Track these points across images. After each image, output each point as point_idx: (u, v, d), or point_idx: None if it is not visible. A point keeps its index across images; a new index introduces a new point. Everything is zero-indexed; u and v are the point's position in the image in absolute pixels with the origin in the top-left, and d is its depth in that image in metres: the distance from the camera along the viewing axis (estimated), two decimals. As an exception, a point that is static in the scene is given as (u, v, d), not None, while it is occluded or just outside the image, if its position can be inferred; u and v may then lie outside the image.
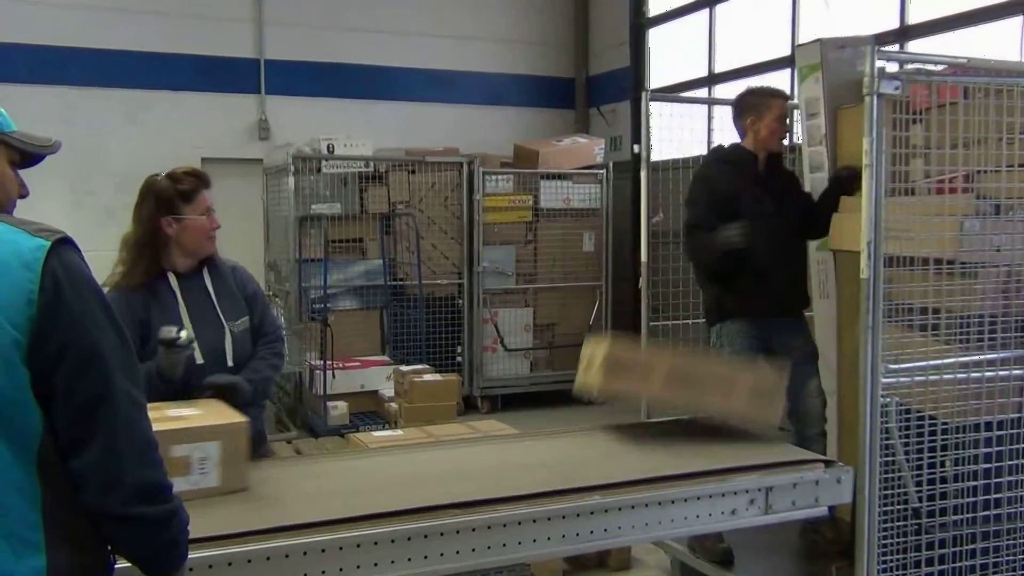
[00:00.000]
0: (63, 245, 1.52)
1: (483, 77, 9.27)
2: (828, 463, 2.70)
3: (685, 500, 2.45)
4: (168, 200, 2.72)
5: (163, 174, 2.79)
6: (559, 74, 9.63)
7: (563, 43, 9.63)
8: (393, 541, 2.11)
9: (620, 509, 2.36)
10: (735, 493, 2.52)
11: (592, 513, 2.32)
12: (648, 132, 4.34)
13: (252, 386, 2.77)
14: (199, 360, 2.70)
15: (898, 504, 3.03)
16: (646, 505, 2.39)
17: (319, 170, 7.28)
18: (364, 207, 7.39)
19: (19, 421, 1.46)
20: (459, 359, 7.66)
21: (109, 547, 1.61)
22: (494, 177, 7.74)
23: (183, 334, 2.57)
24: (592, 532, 2.33)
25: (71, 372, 1.48)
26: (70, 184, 7.93)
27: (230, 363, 2.80)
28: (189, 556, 1.66)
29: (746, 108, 3.88)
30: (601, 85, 9.43)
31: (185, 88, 8.18)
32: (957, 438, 3.06)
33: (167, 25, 8.09)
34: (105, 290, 2.62)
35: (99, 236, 7.35)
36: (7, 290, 1.45)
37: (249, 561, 1.98)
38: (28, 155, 1.73)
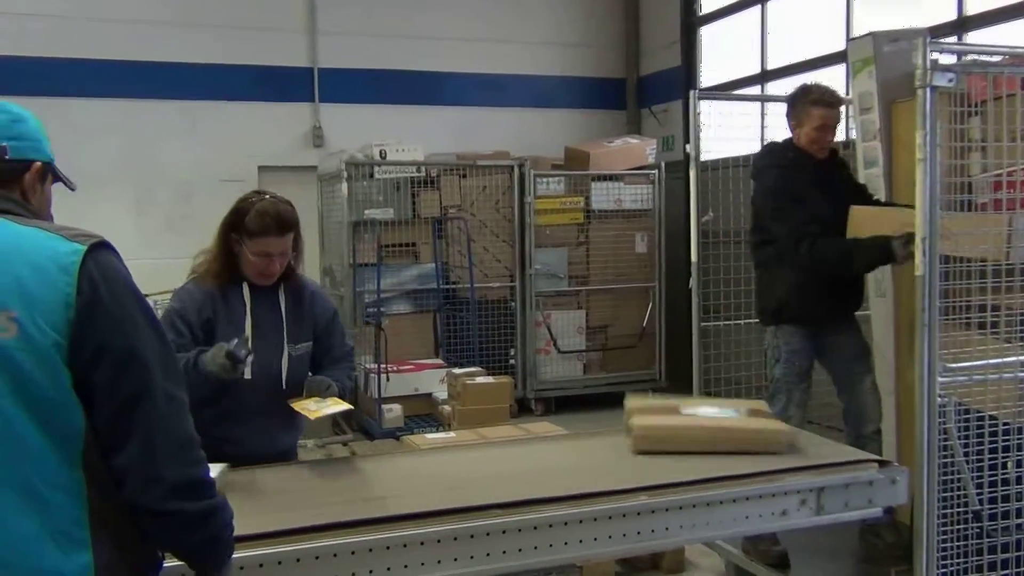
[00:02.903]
0: (100, 249, 1.56)
1: (533, 80, 9.28)
2: (882, 463, 2.64)
3: (734, 500, 2.42)
4: (238, 224, 2.72)
5: (261, 197, 2.75)
6: (610, 75, 9.59)
7: (613, 44, 9.59)
8: (439, 541, 2.12)
9: (668, 510, 2.34)
10: (785, 494, 2.47)
11: (639, 514, 2.30)
12: (697, 131, 4.30)
13: (341, 389, 2.81)
14: (247, 375, 2.67)
15: (958, 507, 2.96)
16: (694, 506, 2.37)
17: (372, 176, 7.36)
18: (416, 211, 7.45)
19: (63, 421, 1.50)
20: (512, 362, 7.67)
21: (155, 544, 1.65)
22: (545, 179, 7.75)
23: (250, 359, 2.59)
24: (639, 533, 2.31)
25: (110, 372, 1.52)
26: (134, 193, 8.15)
27: (284, 385, 2.79)
28: (238, 555, 1.69)
29: (792, 109, 3.81)
30: (652, 85, 9.37)
31: (241, 98, 8.34)
32: (1020, 439, 2.98)
33: (223, 37, 8.26)
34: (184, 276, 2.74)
35: (162, 243, 7.64)
36: (46, 294, 1.49)
37: (298, 560, 2.01)
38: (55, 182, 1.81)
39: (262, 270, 2.74)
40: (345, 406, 2.70)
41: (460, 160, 7.73)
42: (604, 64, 9.57)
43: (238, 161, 8.20)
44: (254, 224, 2.69)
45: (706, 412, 2.86)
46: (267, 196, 2.77)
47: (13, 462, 1.46)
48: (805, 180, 3.70)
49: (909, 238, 3.32)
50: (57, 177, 1.79)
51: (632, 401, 2.94)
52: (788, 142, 3.85)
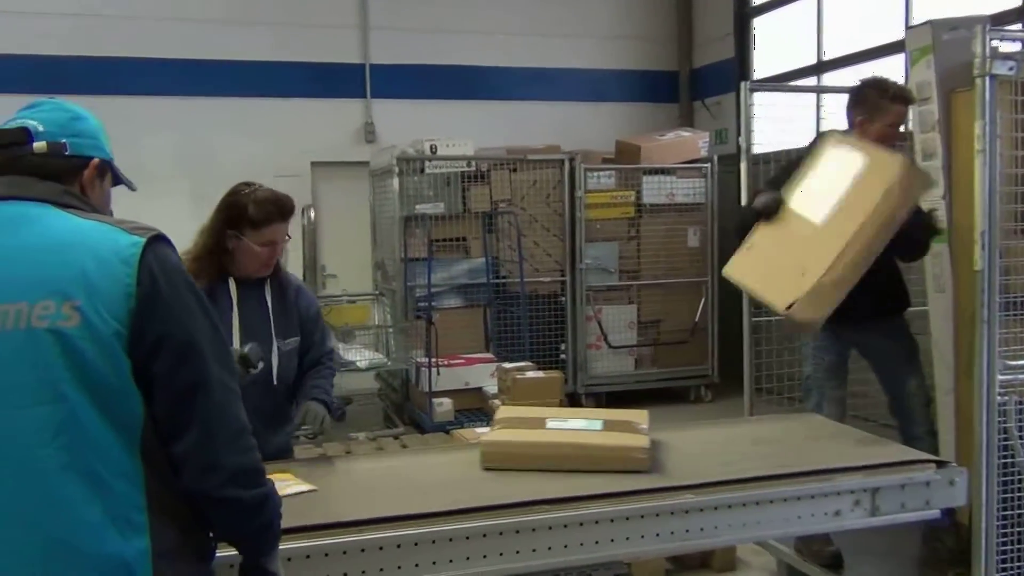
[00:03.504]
0: (158, 241, 1.60)
1: (584, 74, 9.24)
2: (940, 464, 2.58)
3: (785, 500, 2.38)
4: (236, 218, 2.67)
5: (253, 188, 2.72)
6: (662, 68, 9.50)
7: (665, 36, 9.49)
8: (485, 535, 2.12)
9: (716, 508, 2.31)
10: (838, 494, 2.43)
11: (687, 512, 2.28)
12: (749, 123, 4.24)
13: (328, 405, 2.81)
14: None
15: (1019, 508, 2.88)
16: (743, 504, 2.33)
17: (422, 171, 7.40)
18: (467, 206, 7.46)
19: (123, 408, 1.54)
20: (563, 356, 7.66)
21: (210, 530, 1.69)
22: (596, 173, 7.70)
23: (260, 364, 2.56)
24: (687, 531, 2.29)
25: (169, 361, 1.56)
26: (190, 189, 8.30)
27: (275, 381, 2.77)
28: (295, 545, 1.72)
29: (860, 103, 3.62)
30: (705, 77, 9.26)
31: (294, 95, 8.45)
32: (1085, 439, 2.88)
33: (276, 34, 8.38)
34: None
35: (217, 239, 7.75)
36: (108, 285, 1.53)
37: (344, 552, 2.03)
38: (115, 182, 1.85)
39: (264, 261, 2.71)
40: (307, 487, 2.38)
41: (510, 154, 7.72)
42: (656, 57, 9.48)
43: (292, 157, 8.31)
44: (258, 214, 2.65)
45: (571, 426, 2.63)
46: (256, 186, 2.74)
47: (77, 449, 1.50)
48: None
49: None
50: (116, 176, 1.83)
51: (501, 411, 2.85)
52: (846, 135, 3.72)
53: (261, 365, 2.58)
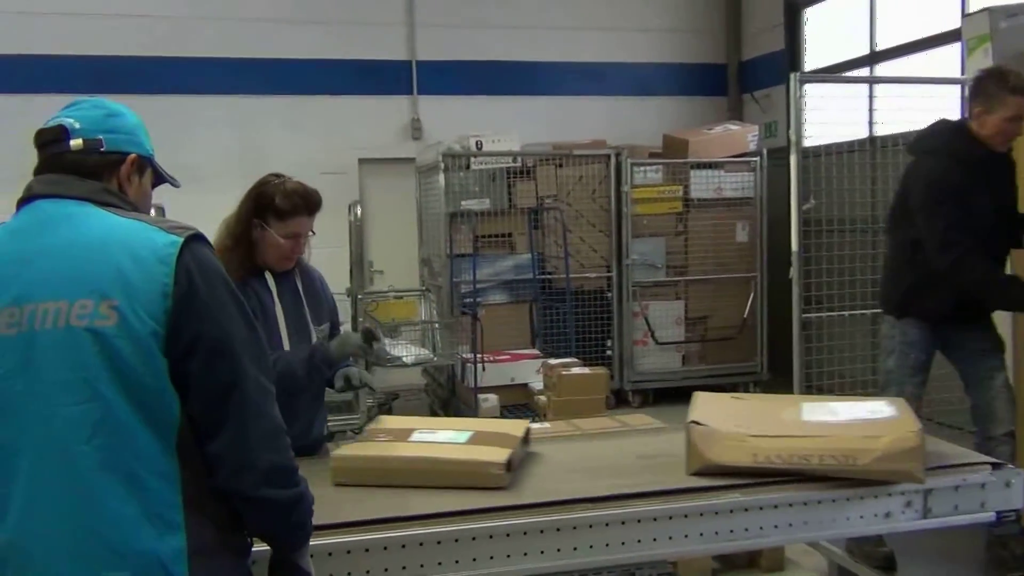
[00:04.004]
0: (195, 241, 1.62)
1: (631, 68, 9.15)
2: (996, 465, 2.50)
3: (834, 501, 2.32)
4: (263, 206, 2.67)
5: (283, 180, 2.73)
6: (710, 60, 9.37)
7: (713, 28, 9.36)
8: (525, 533, 2.11)
9: (762, 508, 2.26)
10: (889, 495, 2.36)
11: (732, 512, 2.23)
12: (799, 116, 4.15)
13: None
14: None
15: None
16: (790, 505, 2.28)
17: (468, 167, 7.40)
18: (512, 202, 7.46)
19: (160, 407, 1.55)
20: (609, 353, 7.61)
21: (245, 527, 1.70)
22: (642, 168, 7.64)
23: (386, 340, 2.54)
24: (732, 531, 2.25)
25: (204, 361, 1.57)
26: (242, 186, 8.36)
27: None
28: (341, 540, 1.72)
29: (979, 93, 3.43)
30: (755, 70, 9.12)
31: (342, 92, 8.50)
32: None
33: (325, 33, 8.44)
34: None
35: (267, 236, 7.85)
36: (145, 284, 1.54)
37: (385, 548, 2.03)
38: (158, 179, 1.87)
39: (286, 253, 2.69)
40: None
41: (556, 150, 7.69)
42: (704, 49, 9.36)
43: (340, 154, 8.38)
44: (285, 205, 2.65)
45: (437, 438, 2.47)
46: (286, 178, 2.74)
47: (115, 447, 1.52)
48: (973, 175, 3.40)
49: None
50: (157, 173, 1.84)
51: (381, 421, 2.73)
52: (962, 126, 3.51)
53: (386, 341, 2.56)
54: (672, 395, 7.64)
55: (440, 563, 2.06)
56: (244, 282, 2.66)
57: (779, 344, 7.02)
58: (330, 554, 1.99)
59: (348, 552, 2.01)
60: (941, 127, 3.62)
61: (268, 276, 2.73)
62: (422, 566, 2.05)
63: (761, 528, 2.27)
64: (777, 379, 7.31)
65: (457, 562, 2.06)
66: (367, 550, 2.03)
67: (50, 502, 1.51)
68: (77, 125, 1.69)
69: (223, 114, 8.26)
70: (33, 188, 1.67)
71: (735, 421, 2.42)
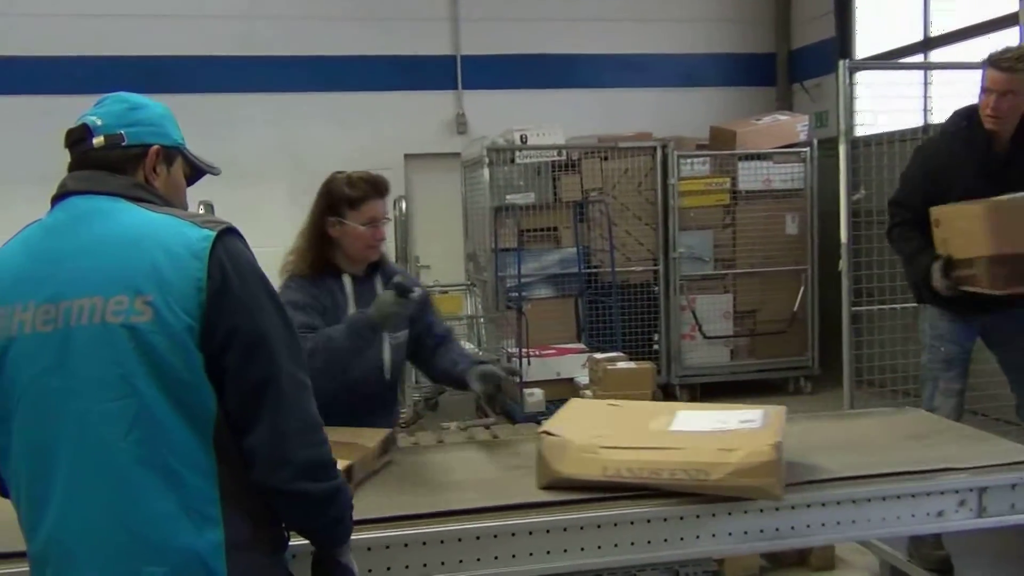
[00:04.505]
0: (228, 235, 1.61)
1: (677, 59, 9.05)
2: (1055, 463, 2.41)
3: (883, 499, 2.25)
4: (335, 201, 2.67)
5: (346, 173, 2.74)
6: (758, 50, 9.22)
7: (762, 17, 9.21)
8: (565, 530, 2.08)
9: (808, 506, 2.21)
10: (942, 493, 2.29)
11: (777, 509, 2.18)
12: (850, 104, 4.05)
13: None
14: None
15: None
16: (838, 503, 2.22)
17: (513, 161, 7.38)
18: (557, 195, 7.41)
19: (196, 402, 1.55)
20: (656, 347, 7.54)
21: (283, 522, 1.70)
22: (689, 160, 7.54)
23: (417, 291, 2.54)
24: (778, 530, 2.20)
25: (239, 355, 1.56)
26: (287, 184, 8.50)
27: (387, 376, 2.78)
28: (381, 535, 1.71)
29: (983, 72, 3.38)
30: (804, 59, 8.95)
31: (387, 88, 8.54)
32: None
33: (368, 29, 8.49)
34: (278, 277, 2.72)
35: (314, 232, 7.93)
36: (179, 279, 1.54)
37: (424, 543, 2.03)
38: (196, 169, 1.85)
39: (370, 241, 2.69)
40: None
41: (601, 143, 7.62)
42: (752, 39, 9.21)
43: (385, 150, 8.41)
44: (354, 192, 2.66)
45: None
46: (349, 171, 2.75)
47: (152, 443, 1.52)
48: (963, 155, 3.35)
49: (946, 264, 3.15)
50: (192, 162, 1.82)
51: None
52: (974, 109, 3.44)
53: (418, 291, 2.54)
54: (720, 390, 7.57)
55: (479, 559, 2.04)
56: (324, 284, 2.69)
57: (830, 338, 6.88)
58: (369, 549, 1.99)
59: (387, 547, 2.01)
60: (956, 110, 3.58)
61: (346, 279, 2.74)
62: (443, 563, 2.04)
63: (808, 527, 2.22)
64: (828, 374, 7.18)
65: (496, 558, 2.05)
66: (406, 544, 2.02)
67: (89, 498, 1.52)
68: (99, 122, 1.69)
69: (268, 112, 8.35)
70: (66, 185, 1.68)
71: (595, 431, 2.28)
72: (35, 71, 7.88)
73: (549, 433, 2.22)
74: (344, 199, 2.66)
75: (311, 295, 2.66)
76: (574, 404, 2.56)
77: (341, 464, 1.98)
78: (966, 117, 3.45)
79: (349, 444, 2.31)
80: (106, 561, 1.52)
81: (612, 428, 2.33)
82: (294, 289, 2.68)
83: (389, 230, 7.21)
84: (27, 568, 1.62)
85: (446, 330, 2.99)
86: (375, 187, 2.69)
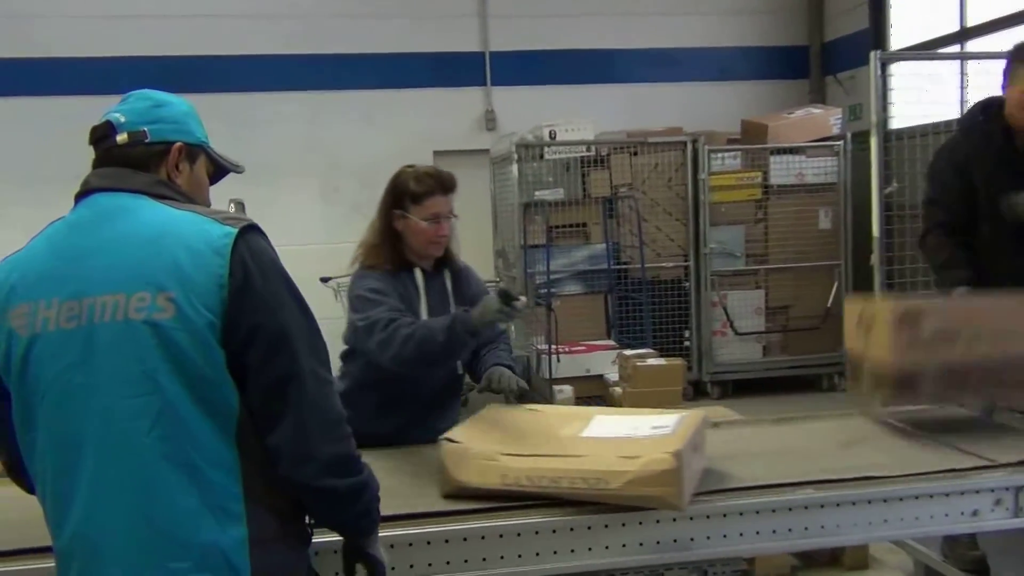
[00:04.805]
0: (250, 232, 1.61)
1: (707, 52, 8.95)
2: (1097, 461, 2.34)
3: (916, 498, 2.21)
4: (400, 195, 2.69)
5: (415, 166, 2.76)
6: (790, 43, 9.09)
7: (794, 9, 9.08)
8: (589, 528, 2.06)
9: (838, 505, 2.17)
10: (976, 492, 2.24)
11: (806, 508, 2.15)
12: (882, 96, 3.98)
13: (512, 370, 2.77)
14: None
15: None
16: (868, 502, 2.18)
17: (542, 157, 7.36)
18: (587, 191, 7.38)
19: (219, 399, 1.55)
20: (687, 343, 7.48)
21: (307, 517, 1.70)
22: (720, 155, 7.47)
23: (523, 299, 2.52)
24: (807, 529, 2.16)
25: (262, 352, 1.56)
26: (319, 182, 8.56)
27: (459, 370, 2.80)
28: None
29: (1007, 66, 3.25)
30: (838, 51, 8.82)
31: (415, 85, 8.54)
32: None
33: (397, 27, 8.48)
34: (348, 269, 2.76)
35: (346, 229, 7.88)
36: (200, 276, 1.54)
37: (464, 539, 2.01)
38: (219, 168, 1.85)
39: (432, 237, 2.70)
40: None
41: (631, 138, 7.57)
42: (784, 31, 9.09)
43: (414, 147, 8.39)
44: (419, 187, 2.67)
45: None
46: (417, 165, 2.77)
47: (175, 439, 1.53)
48: (982, 148, 3.24)
49: None
50: (213, 159, 1.83)
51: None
52: (991, 102, 3.33)
53: (523, 299, 2.52)
54: (753, 387, 7.49)
55: (520, 555, 2.03)
56: (396, 276, 2.71)
57: (865, 334, 6.78)
58: (392, 546, 1.97)
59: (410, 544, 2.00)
60: (975, 104, 3.46)
61: (417, 272, 2.76)
62: (466, 561, 2.03)
63: (837, 526, 2.18)
64: (863, 370, 7.06)
65: (520, 556, 2.03)
66: (428, 542, 2.02)
67: (113, 494, 1.53)
68: (123, 119, 1.70)
69: (298, 110, 8.39)
70: (90, 182, 1.69)
71: (501, 438, 2.21)
72: (66, 72, 7.98)
73: (451, 440, 2.18)
74: (408, 193, 2.68)
75: (388, 284, 2.68)
76: (489, 410, 2.50)
77: None
78: (982, 110, 3.34)
79: None
80: (130, 556, 1.53)
81: (521, 435, 2.26)
82: (371, 278, 2.69)
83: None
84: (41, 564, 1.63)
85: (496, 335, 2.94)
86: (440, 183, 2.70)
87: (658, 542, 2.09)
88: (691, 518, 2.10)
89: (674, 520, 2.08)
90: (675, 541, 2.10)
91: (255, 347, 1.56)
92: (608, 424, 2.29)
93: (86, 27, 8.01)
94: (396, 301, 2.63)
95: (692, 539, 2.11)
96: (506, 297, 2.45)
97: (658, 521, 2.08)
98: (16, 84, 7.92)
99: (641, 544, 2.08)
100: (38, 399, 1.58)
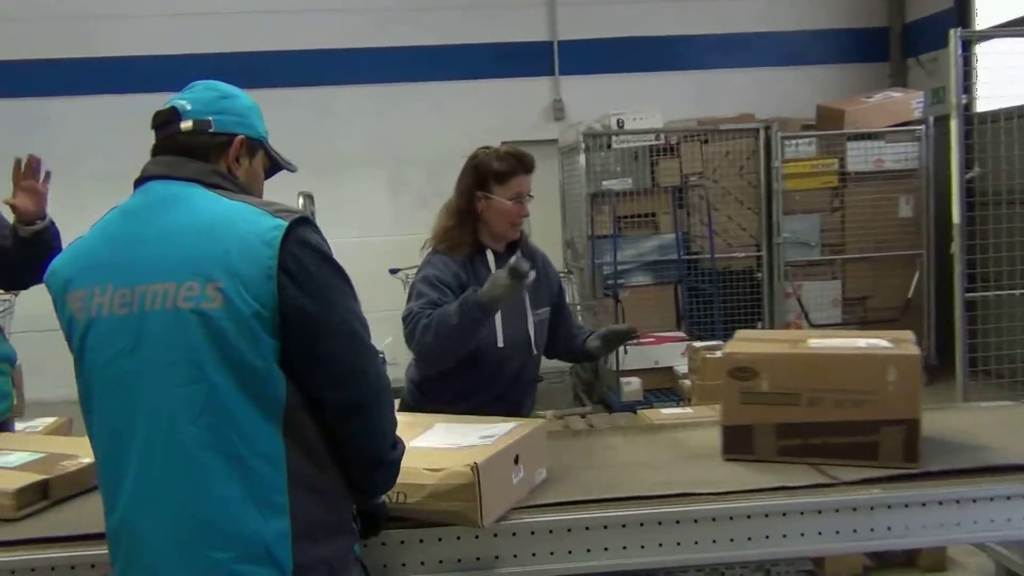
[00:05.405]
0: (301, 224, 1.60)
1: (781, 36, 8.71)
2: None
3: (991, 499, 2.08)
4: (483, 176, 2.69)
5: (493, 148, 2.75)
6: (869, 24, 8.79)
7: (872, -11, 8.79)
8: (642, 525, 2.01)
9: (907, 506, 2.06)
10: (1065, 494, 2.10)
11: (872, 508, 2.05)
12: (961, 76, 3.80)
13: None
14: (500, 343, 2.68)
15: None
16: (940, 503, 2.07)
17: (609, 146, 7.27)
18: (655, 181, 7.27)
19: (266, 390, 1.56)
20: (759, 335, 7.31)
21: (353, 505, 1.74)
22: (794, 141, 7.27)
23: (532, 273, 2.53)
24: (872, 530, 2.06)
25: (318, 342, 1.58)
26: (388, 173, 8.62)
27: (534, 351, 2.80)
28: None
29: None
30: (920, 32, 8.48)
31: (483, 76, 8.53)
32: None
33: (465, 17, 8.49)
34: (420, 254, 2.79)
35: (414, 220, 8.01)
36: (249, 266, 1.55)
37: (532, 532, 1.99)
38: (275, 164, 1.87)
39: (514, 218, 2.71)
40: None
41: (701, 125, 7.43)
42: (862, 12, 8.79)
43: (482, 138, 8.25)
44: (502, 166, 2.67)
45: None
46: (493, 146, 2.76)
47: (220, 429, 1.53)
48: None
49: None
50: (271, 156, 1.85)
51: None
52: None
53: (532, 274, 2.53)
54: (828, 380, 7.27)
55: (589, 550, 1.99)
56: (469, 259, 2.72)
57: (949, 327, 6.52)
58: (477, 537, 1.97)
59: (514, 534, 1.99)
60: None
61: (490, 255, 2.76)
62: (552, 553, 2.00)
63: (906, 527, 2.07)
64: (946, 364, 6.79)
65: (570, 552, 1.99)
66: (545, 530, 1.99)
67: (158, 482, 1.54)
68: (188, 107, 1.72)
69: (365, 103, 8.46)
70: (147, 169, 1.71)
71: None
72: (139, 70, 8.19)
73: None
74: (492, 173, 2.68)
75: (451, 272, 2.69)
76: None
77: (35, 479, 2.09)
78: None
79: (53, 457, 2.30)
80: (173, 545, 1.54)
81: None
82: (434, 265, 2.71)
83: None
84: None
85: (576, 322, 3.05)
86: (522, 162, 2.70)
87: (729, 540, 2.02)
88: (730, 517, 2.02)
89: (717, 519, 2.02)
90: (732, 540, 2.03)
91: (308, 337, 1.57)
92: (443, 433, 2.18)
93: (158, 26, 8.22)
94: (440, 292, 2.63)
95: (738, 539, 2.02)
96: (515, 272, 2.46)
97: (713, 520, 2.01)
98: (93, 83, 8.18)
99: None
100: (93, 383, 1.62)
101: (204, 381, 1.53)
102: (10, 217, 2.80)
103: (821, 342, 2.36)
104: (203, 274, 1.54)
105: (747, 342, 2.45)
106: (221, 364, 1.53)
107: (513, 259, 2.50)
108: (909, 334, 2.42)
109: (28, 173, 2.77)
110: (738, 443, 2.27)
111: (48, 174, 2.81)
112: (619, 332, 2.86)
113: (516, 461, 2.04)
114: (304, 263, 1.57)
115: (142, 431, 1.55)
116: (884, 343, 2.30)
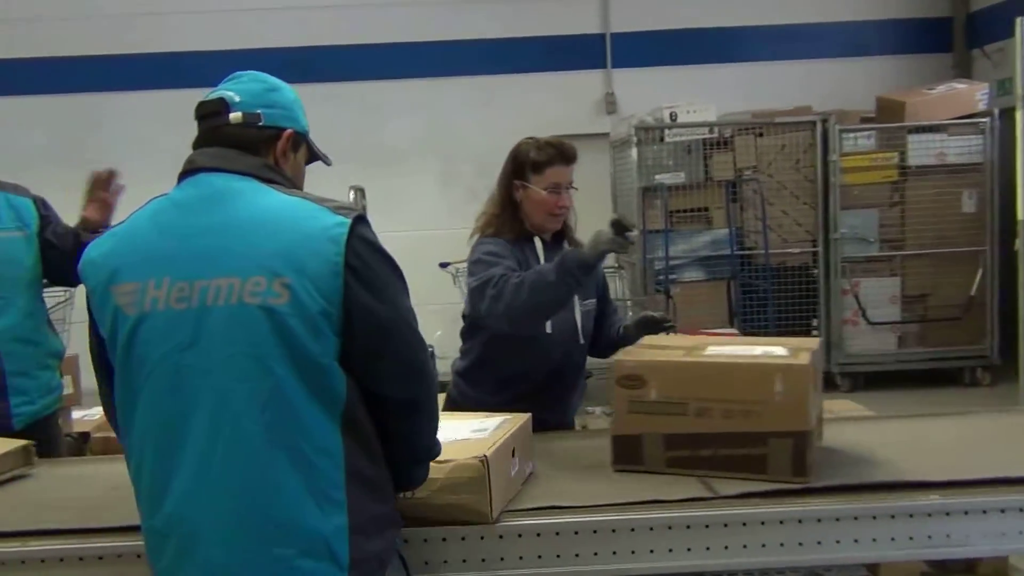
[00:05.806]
0: (362, 222, 1.61)
1: (838, 27, 8.51)
2: None
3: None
4: (520, 164, 2.69)
5: (536, 137, 2.75)
6: (931, 14, 8.55)
7: (936, -22, 8.54)
8: (688, 527, 1.95)
9: (967, 513, 1.96)
10: None
11: (929, 515, 1.96)
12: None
13: None
14: (548, 329, 2.66)
15: None
16: (1001, 511, 1.97)
17: (662, 139, 7.18)
18: (709, 175, 7.16)
19: (328, 386, 1.56)
20: (815, 333, 7.16)
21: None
22: (852, 134, 7.11)
23: (635, 231, 2.50)
24: (930, 537, 1.97)
25: (384, 340, 1.59)
26: (439, 167, 8.63)
27: (581, 340, 2.78)
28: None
29: None
30: (985, 21, 8.22)
31: (534, 69, 8.47)
32: None
33: (515, 10, 8.44)
34: (468, 241, 2.78)
35: (464, 214, 7.87)
36: (315, 262, 1.54)
37: (556, 533, 1.95)
38: (313, 158, 1.87)
39: (551, 208, 2.68)
40: None
41: (756, 118, 7.30)
42: (924, 2, 8.55)
43: (533, 131, 8.10)
44: (540, 156, 2.66)
45: None
46: (537, 136, 2.75)
47: (283, 424, 1.53)
48: None
49: None
50: (311, 150, 1.84)
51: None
52: None
53: (635, 231, 2.50)
54: (886, 380, 7.12)
55: (596, 553, 1.95)
56: (516, 244, 2.71)
57: (1013, 326, 6.32)
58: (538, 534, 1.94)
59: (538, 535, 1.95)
60: None
61: (537, 242, 2.75)
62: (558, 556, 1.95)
63: (967, 536, 1.98)
64: (1010, 364, 6.59)
65: (577, 555, 1.94)
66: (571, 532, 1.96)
67: (219, 477, 1.53)
68: (237, 98, 1.70)
69: (416, 98, 8.46)
70: (196, 161, 1.68)
71: None
72: (194, 65, 8.30)
73: None
74: (529, 163, 2.67)
75: (507, 249, 2.66)
76: None
77: None
78: None
79: None
80: (233, 540, 1.53)
81: None
82: (489, 243, 2.69)
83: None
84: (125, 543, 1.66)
85: (615, 309, 3.02)
86: (561, 152, 2.68)
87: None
88: (780, 521, 1.95)
89: (772, 522, 1.95)
90: (781, 545, 1.96)
91: (370, 336, 1.58)
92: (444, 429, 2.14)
93: (211, 22, 8.33)
94: (512, 263, 2.61)
95: (788, 543, 1.95)
96: (618, 226, 2.40)
97: (762, 523, 1.95)
98: (151, 79, 8.31)
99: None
100: (143, 378, 1.58)
101: (268, 376, 1.52)
102: (62, 214, 2.92)
103: (718, 349, 2.26)
104: (269, 269, 1.53)
105: (642, 349, 2.38)
106: (285, 360, 1.52)
107: (614, 215, 2.47)
108: (814, 342, 2.31)
109: (103, 185, 2.90)
110: (627, 453, 2.18)
111: (122, 187, 2.94)
112: (654, 319, 2.81)
113: (512, 454, 2.03)
114: (368, 261, 1.58)
115: (201, 426, 1.54)
116: (780, 351, 2.19)
